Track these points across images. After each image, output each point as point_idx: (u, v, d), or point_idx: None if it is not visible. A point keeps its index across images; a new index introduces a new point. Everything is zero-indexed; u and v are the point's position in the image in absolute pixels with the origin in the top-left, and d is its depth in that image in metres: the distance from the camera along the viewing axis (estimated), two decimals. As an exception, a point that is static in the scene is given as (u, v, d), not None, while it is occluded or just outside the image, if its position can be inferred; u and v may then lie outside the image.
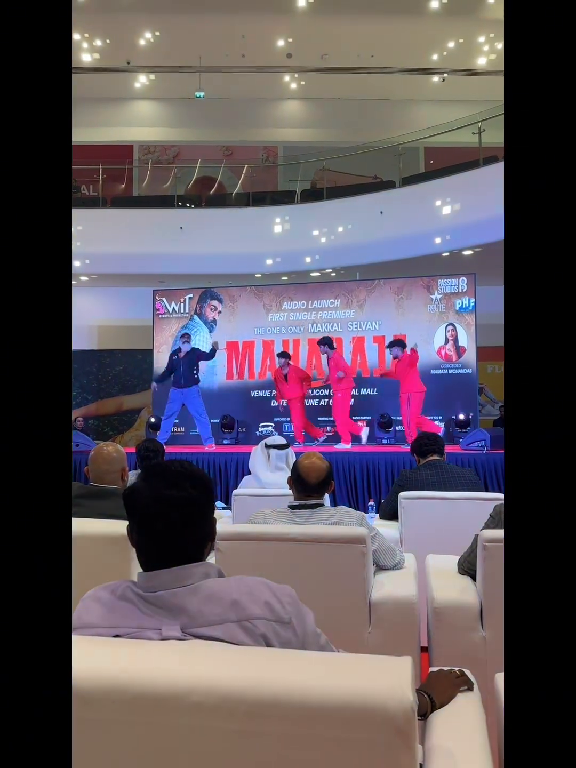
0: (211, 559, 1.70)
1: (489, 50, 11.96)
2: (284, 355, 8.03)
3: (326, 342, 7.73)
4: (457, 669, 1.42)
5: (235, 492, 3.75)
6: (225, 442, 8.31)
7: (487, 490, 5.47)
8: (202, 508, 1.22)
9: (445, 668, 1.43)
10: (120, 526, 2.13)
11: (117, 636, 1.11)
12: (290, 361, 7.99)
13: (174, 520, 1.17)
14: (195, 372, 7.93)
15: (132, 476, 3.52)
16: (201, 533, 1.22)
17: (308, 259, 9.71)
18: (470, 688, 1.37)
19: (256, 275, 10.11)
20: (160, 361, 9.03)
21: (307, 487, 2.40)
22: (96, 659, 0.99)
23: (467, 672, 1.42)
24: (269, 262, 9.80)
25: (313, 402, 8.67)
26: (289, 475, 2.52)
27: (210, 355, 8.12)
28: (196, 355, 8.03)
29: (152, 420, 8.49)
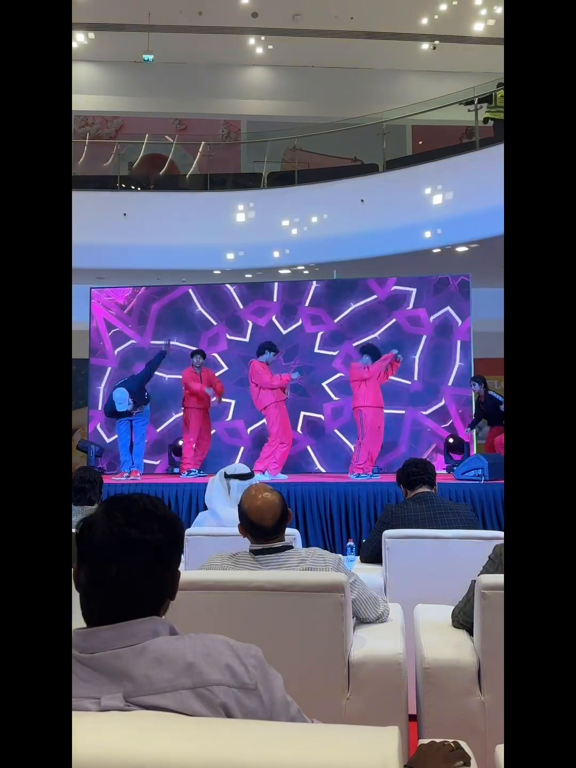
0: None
1: (486, 14, 12.28)
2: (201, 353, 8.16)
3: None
4: (451, 741, 1.43)
5: (188, 531, 3.72)
6: (175, 470, 8.27)
7: (485, 528, 5.55)
8: (167, 557, 1.23)
9: (438, 740, 1.44)
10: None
11: (46, 707, 1.10)
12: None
13: (132, 566, 1.18)
14: (145, 392, 7.76)
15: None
16: (160, 587, 1.23)
17: (277, 254, 9.77)
18: (467, 764, 1.38)
19: (215, 272, 10.13)
20: (98, 373, 9.00)
21: (266, 532, 2.37)
22: (20, 736, 0.98)
23: (463, 744, 1.43)
24: (230, 256, 9.83)
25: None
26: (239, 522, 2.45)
27: (157, 360, 7.99)
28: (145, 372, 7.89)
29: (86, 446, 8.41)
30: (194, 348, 8.44)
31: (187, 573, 2.33)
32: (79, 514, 3.58)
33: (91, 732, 1.01)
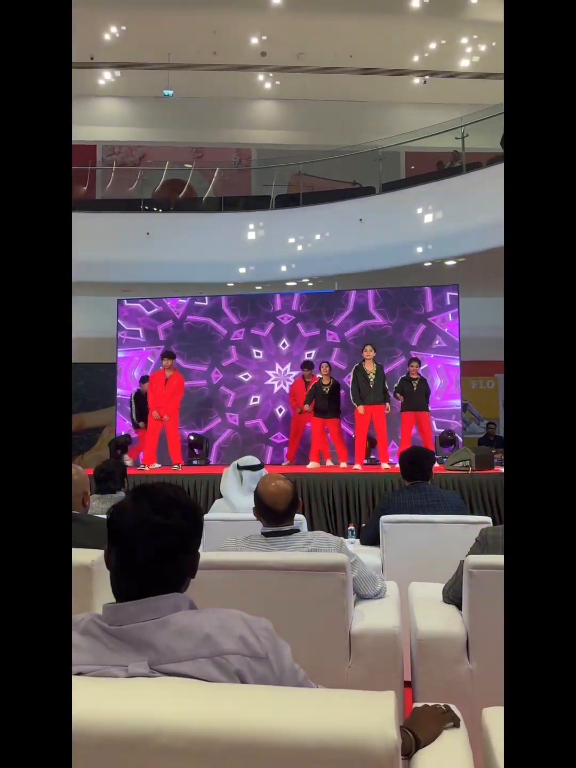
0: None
1: (472, 52, 12.26)
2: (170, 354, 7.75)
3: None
4: (442, 704, 1.43)
5: (205, 516, 3.73)
6: (194, 463, 8.28)
7: (472, 514, 5.53)
8: (187, 540, 1.23)
9: (430, 704, 1.44)
10: (80, 556, 2.11)
11: (79, 674, 1.10)
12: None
13: (156, 548, 1.18)
14: None
15: (94, 500, 3.51)
16: (181, 567, 1.23)
17: (284, 268, 9.75)
18: (456, 725, 1.38)
19: (229, 285, 10.13)
20: (124, 376, 9.06)
21: (278, 516, 2.37)
22: (57, 700, 0.98)
23: (453, 707, 1.42)
24: (242, 270, 9.82)
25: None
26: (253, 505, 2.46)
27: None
28: None
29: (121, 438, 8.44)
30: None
31: (204, 554, 2.33)
32: (106, 501, 3.58)
33: (120, 696, 1.01)
